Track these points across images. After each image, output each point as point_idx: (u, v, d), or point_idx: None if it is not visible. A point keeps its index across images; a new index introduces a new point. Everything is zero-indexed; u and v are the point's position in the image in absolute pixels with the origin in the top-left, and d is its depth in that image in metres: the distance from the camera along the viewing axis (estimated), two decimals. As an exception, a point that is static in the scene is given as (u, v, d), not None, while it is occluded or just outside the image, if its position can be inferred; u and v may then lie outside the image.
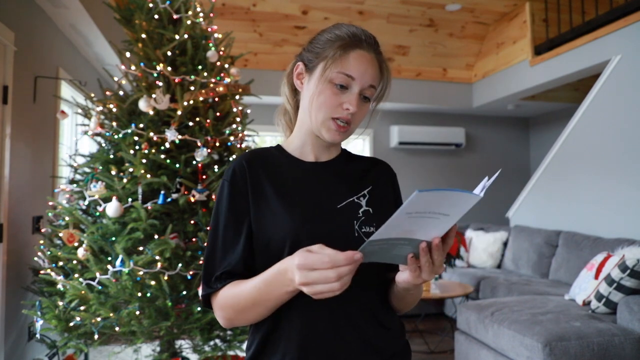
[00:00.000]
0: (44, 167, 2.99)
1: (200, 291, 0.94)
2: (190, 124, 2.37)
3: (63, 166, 3.16)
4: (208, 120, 2.37)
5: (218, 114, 2.49)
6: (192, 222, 2.27)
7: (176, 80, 2.37)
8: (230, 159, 2.54)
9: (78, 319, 2.12)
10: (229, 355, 2.40)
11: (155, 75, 2.38)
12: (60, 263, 2.25)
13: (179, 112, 2.33)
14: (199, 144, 2.32)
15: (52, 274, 2.20)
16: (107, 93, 2.46)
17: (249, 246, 0.90)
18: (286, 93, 1.02)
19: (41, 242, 2.35)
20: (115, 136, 2.35)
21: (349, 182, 0.97)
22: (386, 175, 1.03)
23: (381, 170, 1.03)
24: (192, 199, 2.25)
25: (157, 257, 2.09)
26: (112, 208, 2.14)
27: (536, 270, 4.21)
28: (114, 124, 2.37)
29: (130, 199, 2.22)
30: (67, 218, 2.26)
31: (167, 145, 2.30)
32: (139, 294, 2.08)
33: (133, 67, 2.37)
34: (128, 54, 2.46)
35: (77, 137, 3.51)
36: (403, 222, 0.70)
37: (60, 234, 2.25)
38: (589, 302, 2.88)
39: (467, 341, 3.05)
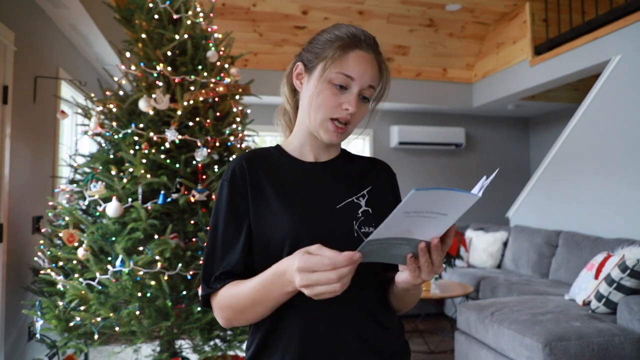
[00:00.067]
0: (44, 167, 2.99)
1: (200, 291, 0.94)
2: (190, 124, 2.37)
3: (63, 166, 3.16)
4: (208, 120, 2.37)
5: (218, 114, 2.49)
6: (192, 222, 2.27)
7: (176, 80, 2.37)
8: (230, 159, 2.54)
9: (78, 319, 2.12)
10: (229, 355, 2.40)
11: (155, 75, 2.38)
12: (60, 263, 2.25)
13: (179, 112, 2.33)
14: (199, 144, 2.32)
15: (52, 274, 2.20)
16: (107, 93, 2.46)
17: (248, 246, 0.90)
18: (286, 93, 1.03)
19: (41, 242, 2.35)
20: (115, 136, 2.35)
21: (348, 182, 0.97)
22: (386, 176, 1.03)
23: (381, 171, 1.04)
24: (192, 199, 2.25)
25: (157, 257, 2.09)
26: (112, 208, 2.14)
27: (536, 270, 4.21)
28: (114, 124, 2.37)
29: (130, 199, 2.22)
30: (67, 218, 2.26)
31: (167, 145, 2.30)
32: (139, 294, 2.08)
33: (133, 67, 2.37)
34: (128, 54, 2.46)
35: (77, 137, 3.51)
36: (401, 222, 0.70)
37: (60, 234, 2.25)
38: (589, 302, 2.88)
39: (467, 341, 3.05)
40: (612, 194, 3.68)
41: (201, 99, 2.39)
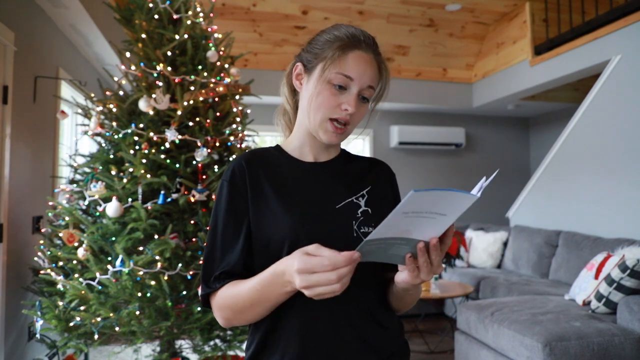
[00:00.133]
0: (44, 167, 3.00)
1: (199, 291, 0.94)
2: (190, 124, 2.37)
3: (63, 166, 3.16)
4: (208, 120, 2.37)
5: (218, 114, 2.49)
6: (192, 222, 2.28)
7: (176, 80, 2.37)
8: (230, 159, 2.54)
9: (78, 319, 2.12)
10: (229, 355, 2.40)
11: (155, 75, 2.38)
12: (60, 263, 2.25)
13: (179, 112, 2.33)
14: (199, 144, 2.32)
15: (52, 274, 2.20)
16: (107, 93, 2.46)
17: (248, 246, 0.90)
18: (285, 93, 1.03)
19: (41, 242, 2.35)
20: (115, 136, 2.35)
21: (347, 182, 0.97)
22: (385, 176, 1.03)
23: (380, 171, 1.04)
24: (192, 199, 2.25)
25: (157, 257, 2.10)
26: (112, 208, 2.14)
27: (536, 270, 4.21)
28: (114, 124, 2.37)
29: (130, 199, 2.23)
30: (67, 218, 2.26)
31: (167, 145, 2.30)
32: (139, 294, 2.08)
33: (133, 67, 2.37)
34: (128, 54, 2.46)
35: (77, 137, 3.51)
36: (399, 222, 0.70)
37: (60, 234, 2.25)
38: (589, 302, 2.88)
39: (467, 341, 3.05)
40: (612, 194, 3.68)
41: (201, 99, 2.39)
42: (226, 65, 2.61)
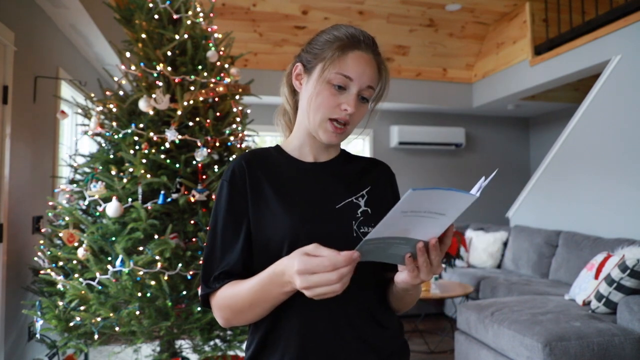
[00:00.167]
0: (44, 167, 3.00)
1: (199, 291, 0.94)
2: (190, 124, 2.37)
3: (63, 166, 3.16)
4: (208, 120, 2.37)
5: (218, 114, 2.49)
6: (192, 222, 2.28)
7: (176, 80, 2.37)
8: (230, 159, 2.54)
9: (78, 319, 2.12)
10: (229, 355, 2.40)
11: (155, 75, 2.38)
12: (60, 263, 2.25)
13: (179, 112, 2.33)
14: (199, 144, 2.32)
15: (52, 274, 2.21)
16: (107, 93, 2.46)
17: (247, 246, 0.90)
18: (285, 93, 1.03)
19: (41, 242, 2.35)
20: (115, 136, 2.35)
21: (347, 182, 0.97)
22: (385, 176, 1.03)
23: (380, 171, 1.04)
24: (192, 199, 2.25)
25: (157, 257, 2.10)
26: (112, 208, 2.14)
27: (536, 270, 4.21)
28: (114, 124, 2.37)
29: (130, 199, 2.23)
30: (67, 218, 2.26)
31: (167, 145, 2.30)
32: (139, 294, 2.08)
33: (133, 67, 2.37)
34: (128, 54, 2.46)
35: (77, 137, 3.51)
36: (398, 221, 0.70)
37: (60, 234, 2.25)
38: (589, 302, 2.88)
39: (467, 341, 3.05)
40: (612, 194, 3.68)
41: (201, 99, 2.39)
42: (226, 65, 2.61)
